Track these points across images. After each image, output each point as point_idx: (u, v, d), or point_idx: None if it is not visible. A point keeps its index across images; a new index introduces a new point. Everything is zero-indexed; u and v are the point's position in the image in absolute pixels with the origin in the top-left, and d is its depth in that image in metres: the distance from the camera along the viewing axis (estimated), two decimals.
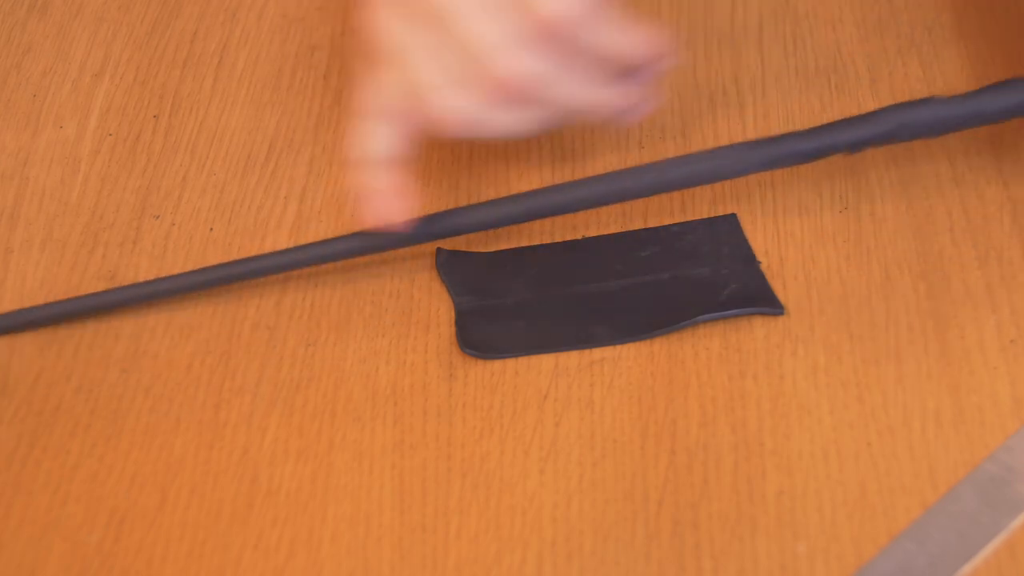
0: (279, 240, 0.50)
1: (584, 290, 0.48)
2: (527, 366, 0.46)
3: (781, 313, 0.47)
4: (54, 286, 0.49)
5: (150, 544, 0.42)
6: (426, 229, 0.47)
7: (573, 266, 0.48)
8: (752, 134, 0.52)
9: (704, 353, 0.46)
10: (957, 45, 0.55)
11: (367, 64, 0.46)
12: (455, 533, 0.42)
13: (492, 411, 0.45)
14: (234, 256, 0.49)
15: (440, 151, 0.53)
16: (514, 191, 0.51)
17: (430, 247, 0.49)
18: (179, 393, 0.46)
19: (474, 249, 0.49)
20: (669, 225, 0.50)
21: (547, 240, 0.49)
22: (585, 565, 0.41)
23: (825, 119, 0.52)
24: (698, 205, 0.50)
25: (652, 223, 0.50)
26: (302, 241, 0.49)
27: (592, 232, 0.50)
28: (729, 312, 0.46)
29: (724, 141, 0.52)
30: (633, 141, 0.52)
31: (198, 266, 0.49)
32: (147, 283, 0.47)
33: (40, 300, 0.48)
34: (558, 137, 0.53)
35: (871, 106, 0.53)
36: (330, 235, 0.50)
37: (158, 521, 0.43)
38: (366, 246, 0.47)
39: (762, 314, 0.47)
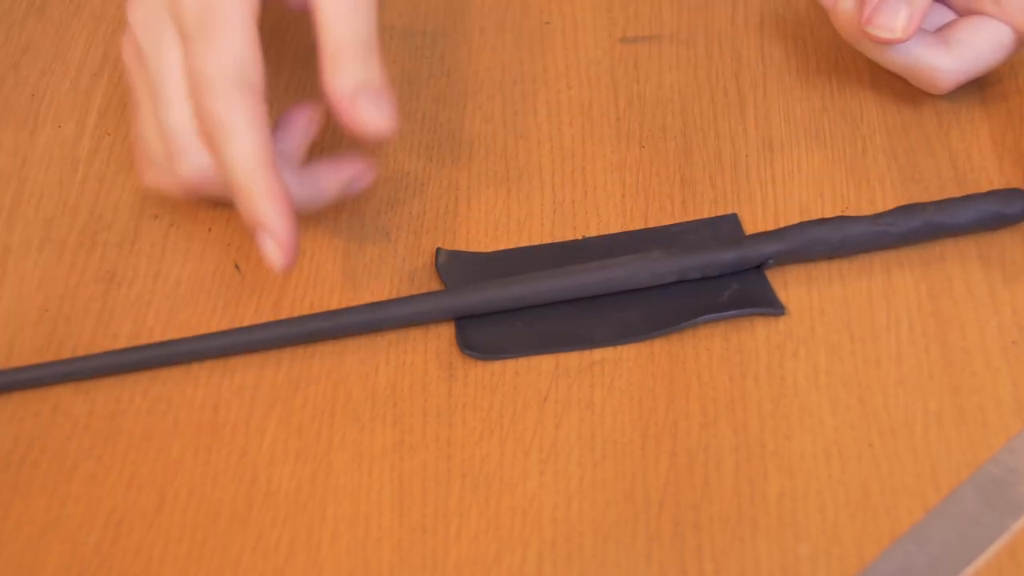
0: None
1: None
2: (527, 367, 0.46)
3: (782, 313, 0.46)
4: (52, 287, 0.48)
5: (149, 545, 0.42)
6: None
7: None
8: (753, 133, 0.52)
9: (705, 354, 0.46)
10: None
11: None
12: (455, 534, 0.42)
13: (492, 412, 0.45)
14: (232, 256, 0.49)
15: (439, 151, 0.52)
16: (513, 191, 0.51)
17: (429, 247, 0.49)
18: (177, 394, 0.45)
19: (474, 249, 0.49)
20: (670, 225, 0.49)
21: (547, 240, 0.49)
22: (585, 566, 0.41)
23: (826, 119, 0.52)
24: (699, 205, 0.50)
25: (653, 223, 0.50)
26: (300, 240, 0.49)
27: (593, 232, 0.49)
28: (730, 313, 0.46)
29: (725, 140, 0.52)
30: (634, 140, 0.52)
31: (197, 265, 0.49)
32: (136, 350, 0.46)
33: (38, 301, 0.48)
34: (558, 137, 0.53)
35: (872, 106, 0.53)
36: (327, 234, 0.50)
37: (157, 522, 0.42)
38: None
39: (763, 315, 0.46)
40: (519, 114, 0.54)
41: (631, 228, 0.50)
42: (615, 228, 0.50)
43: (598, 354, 0.46)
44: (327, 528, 0.42)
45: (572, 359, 0.46)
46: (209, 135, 0.44)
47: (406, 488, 0.43)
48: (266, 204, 0.43)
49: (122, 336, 0.47)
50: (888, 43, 0.49)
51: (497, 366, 0.46)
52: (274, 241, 0.44)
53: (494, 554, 0.41)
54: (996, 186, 0.50)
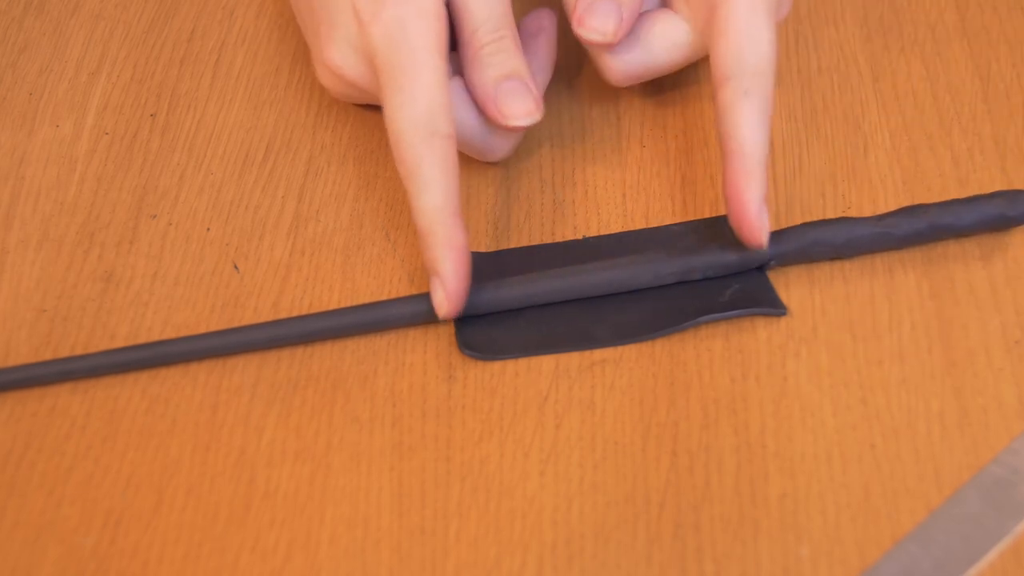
0: (276, 240, 0.49)
1: None
2: (527, 367, 0.45)
3: (784, 314, 0.46)
4: (50, 286, 0.48)
5: (146, 547, 0.42)
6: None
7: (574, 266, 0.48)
8: None
9: (706, 354, 0.45)
10: (960, 43, 0.54)
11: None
12: (454, 536, 0.41)
13: (492, 413, 0.44)
14: (231, 256, 0.49)
15: None
16: (513, 191, 0.51)
17: None
18: (175, 393, 0.45)
19: (474, 249, 0.49)
20: (671, 225, 0.49)
21: (547, 240, 0.49)
22: (586, 568, 0.41)
23: (827, 118, 0.52)
24: (700, 205, 0.50)
25: (653, 223, 0.49)
26: (300, 240, 0.49)
27: (593, 232, 0.49)
28: (731, 313, 0.46)
29: None
30: (635, 140, 0.52)
31: (195, 265, 0.48)
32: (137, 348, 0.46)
33: (36, 300, 0.48)
34: (558, 137, 0.52)
35: (874, 105, 0.53)
36: (327, 234, 0.49)
37: (154, 523, 0.42)
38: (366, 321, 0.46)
39: (764, 315, 0.46)
40: None
41: (632, 228, 0.49)
42: (616, 228, 0.49)
43: (598, 354, 0.46)
44: (325, 529, 0.42)
45: (572, 359, 0.46)
46: (403, 179, 0.45)
47: (405, 490, 0.43)
48: (443, 254, 0.44)
49: (120, 336, 0.47)
50: (599, 45, 0.49)
51: (497, 367, 0.45)
52: (444, 290, 0.45)
53: (494, 557, 0.41)
54: (999, 186, 0.50)
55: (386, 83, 0.46)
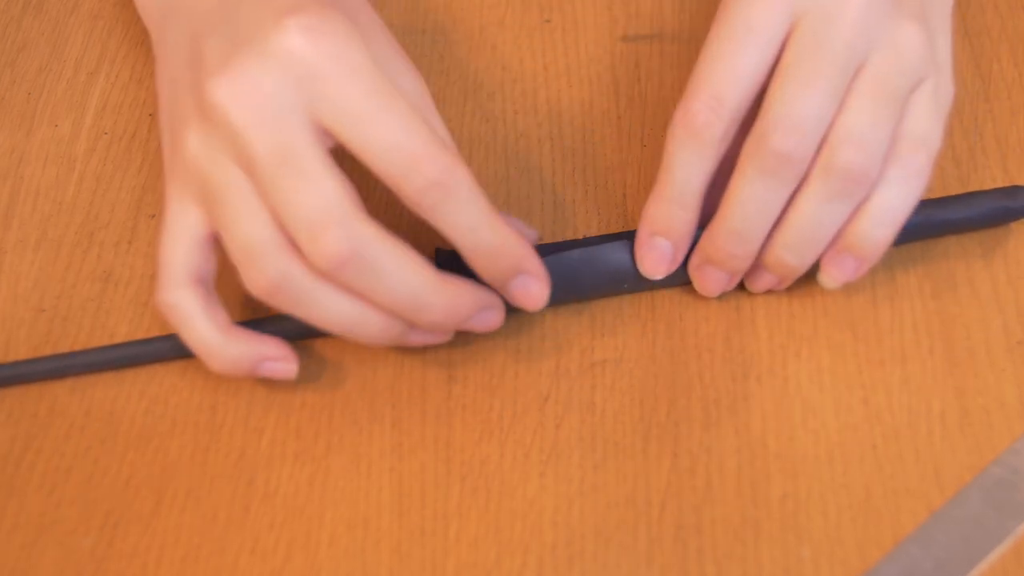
0: None
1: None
2: (527, 368, 0.45)
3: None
4: (49, 286, 0.48)
5: (145, 548, 0.42)
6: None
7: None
8: None
9: (707, 355, 0.45)
10: (961, 43, 0.54)
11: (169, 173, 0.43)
12: (454, 537, 0.41)
13: (492, 413, 0.44)
14: None
15: None
16: (513, 191, 0.50)
17: (429, 247, 0.49)
18: (174, 394, 0.45)
19: None
20: None
21: (548, 240, 0.49)
22: (586, 570, 0.40)
23: None
24: None
25: None
26: None
27: (594, 232, 0.49)
28: None
29: None
30: (635, 139, 0.52)
31: None
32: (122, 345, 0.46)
33: (35, 300, 0.48)
34: (559, 137, 0.52)
35: None
36: None
37: (153, 525, 0.42)
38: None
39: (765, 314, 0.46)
40: (519, 113, 0.53)
41: (632, 228, 0.49)
42: (616, 228, 0.49)
43: (599, 355, 0.46)
44: (325, 530, 0.42)
45: (573, 360, 0.46)
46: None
47: (405, 490, 0.42)
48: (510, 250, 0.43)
49: (119, 336, 0.47)
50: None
51: (497, 367, 0.45)
52: (536, 278, 0.43)
53: (494, 558, 0.41)
54: (1000, 185, 0.49)
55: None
